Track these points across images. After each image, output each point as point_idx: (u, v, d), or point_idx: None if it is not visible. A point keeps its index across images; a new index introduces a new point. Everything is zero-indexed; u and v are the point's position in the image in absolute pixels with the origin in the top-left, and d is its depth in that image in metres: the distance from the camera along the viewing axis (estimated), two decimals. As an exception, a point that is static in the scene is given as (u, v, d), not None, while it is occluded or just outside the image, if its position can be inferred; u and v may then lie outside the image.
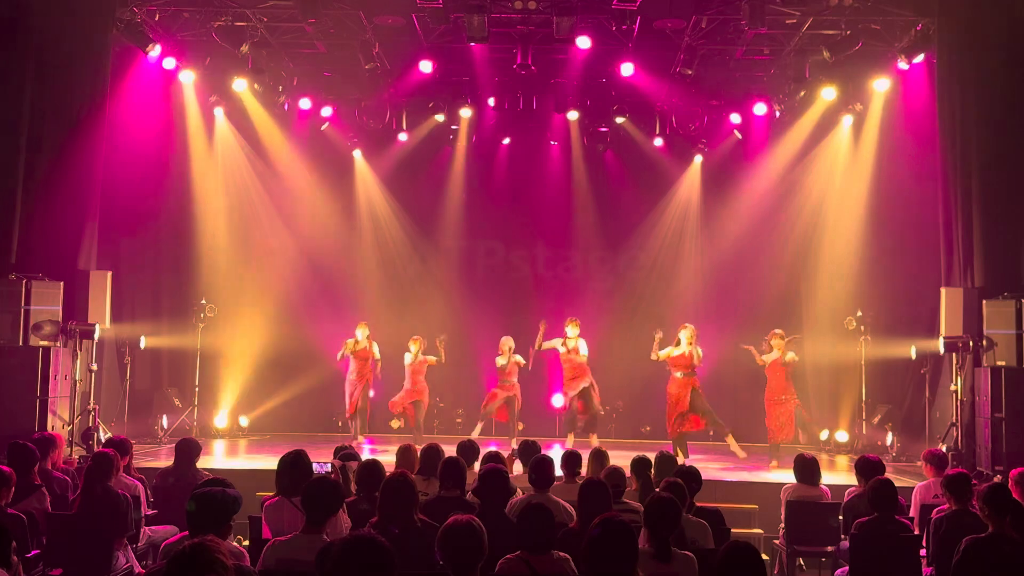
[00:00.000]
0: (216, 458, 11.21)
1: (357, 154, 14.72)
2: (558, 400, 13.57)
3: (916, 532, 6.36)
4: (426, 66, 12.35)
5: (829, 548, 6.88)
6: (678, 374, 11.20)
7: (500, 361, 12.23)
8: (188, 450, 7.19)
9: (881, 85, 12.18)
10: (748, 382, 13.21)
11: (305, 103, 13.44)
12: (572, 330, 11.95)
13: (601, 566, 3.75)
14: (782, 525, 7.14)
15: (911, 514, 6.89)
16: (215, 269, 13.56)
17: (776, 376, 11.23)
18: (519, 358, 12.27)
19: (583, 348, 11.90)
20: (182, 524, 5.47)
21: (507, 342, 12.24)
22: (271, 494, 5.66)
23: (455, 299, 14.33)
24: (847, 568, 6.12)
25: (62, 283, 10.24)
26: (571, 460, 6.90)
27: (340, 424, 13.93)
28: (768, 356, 11.24)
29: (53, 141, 10.32)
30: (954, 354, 10.64)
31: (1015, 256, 10.33)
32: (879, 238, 12.77)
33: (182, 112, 12.93)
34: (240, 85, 12.47)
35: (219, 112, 13.43)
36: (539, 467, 6.01)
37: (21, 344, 9.90)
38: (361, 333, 12.29)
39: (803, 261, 13.90)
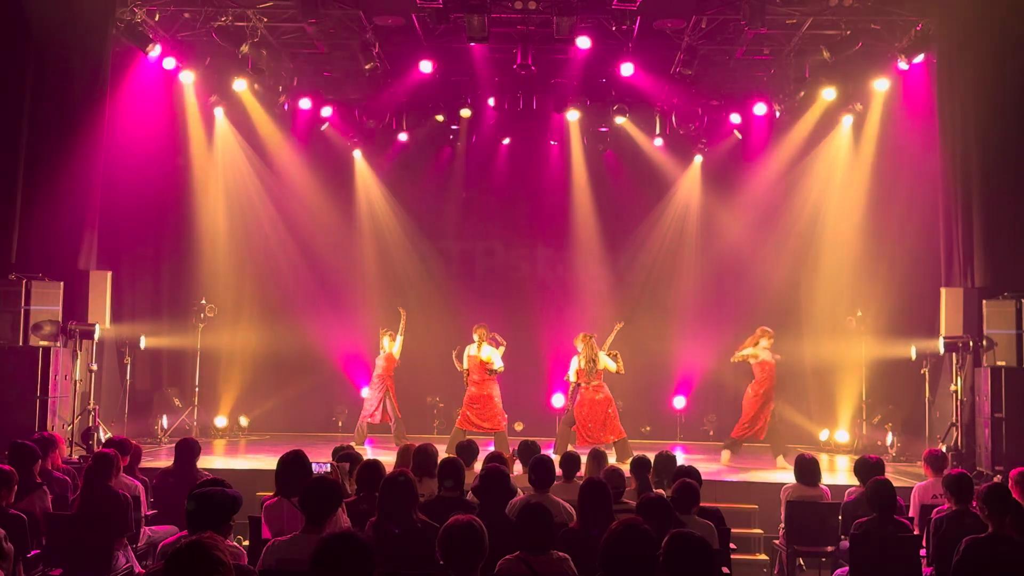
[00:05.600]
0: (216, 458, 11.21)
1: (357, 154, 14.70)
2: (558, 400, 13.57)
3: (916, 532, 6.36)
4: (426, 66, 12.36)
5: (829, 548, 6.88)
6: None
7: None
8: (188, 450, 7.19)
9: (881, 85, 12.16)
10: (748, 382, 13.20)
11: (305, 103, 13.41)
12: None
13: (620, 570, 3.67)
14: (782, 525, 7.15)
15: (911, 514, 6.90)
16: (215, 269, 13.55)
17: (769, 374, 11.22)
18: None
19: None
20: (182, 524, 5.47)
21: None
22: (271, 494, 5.67)
23: (454, 299, 14.30)
24: (847, 568, 6.12)
25: (62, 283, 10.25)
26: (569, 461, 6.91)
27: (340, 424, 13.94)
28: (762, 352, 11.23)
29: (53, 141, 10.30)
30: (954, 354, 10.65)
31: (1015, 256, 10.32)
32: (879, 238, 12.76)
33: (182, 112, 12.91)
34: (240, 85, 12.45)
35: (219, 112, 13.40)
36: (539, 467, 6.01)
37: (21, 344, 9.90)
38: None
39: (803, 261, 13.87)
